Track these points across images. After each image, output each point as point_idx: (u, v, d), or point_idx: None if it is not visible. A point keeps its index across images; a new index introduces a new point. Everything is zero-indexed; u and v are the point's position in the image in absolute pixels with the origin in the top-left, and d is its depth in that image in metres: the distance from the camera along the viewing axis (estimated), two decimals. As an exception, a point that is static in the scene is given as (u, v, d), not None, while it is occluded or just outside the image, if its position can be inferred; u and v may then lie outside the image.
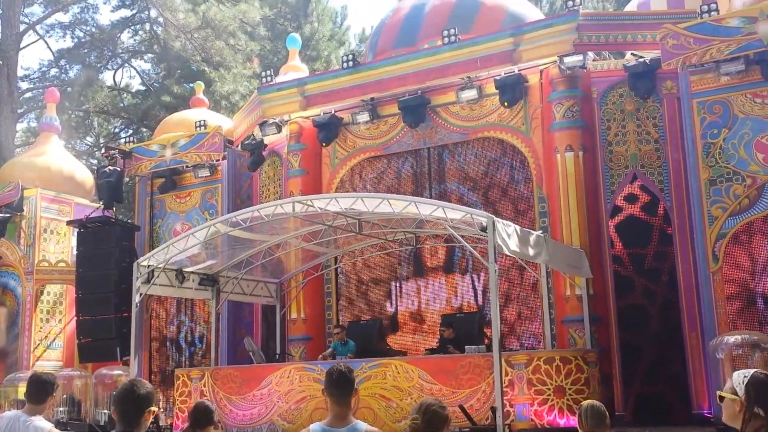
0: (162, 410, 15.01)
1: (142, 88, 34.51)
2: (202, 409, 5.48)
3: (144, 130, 30.25)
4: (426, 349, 13.40)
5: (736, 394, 3.34)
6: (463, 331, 12.91)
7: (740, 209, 12.01)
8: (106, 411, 14.93)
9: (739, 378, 3.36)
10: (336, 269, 15.79)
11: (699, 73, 12.60)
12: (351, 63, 15.41)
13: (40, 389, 4.77)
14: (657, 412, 12.54)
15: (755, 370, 3.39)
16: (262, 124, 16.11)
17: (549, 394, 10.25)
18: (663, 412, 12.55)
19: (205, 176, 17.41)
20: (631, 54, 13.78)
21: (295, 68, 18.96)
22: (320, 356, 13.72)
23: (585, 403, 4.76)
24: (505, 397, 10.11)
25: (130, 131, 31.59)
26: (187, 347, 17.05)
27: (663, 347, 12.99)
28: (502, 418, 9.88)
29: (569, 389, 10.40)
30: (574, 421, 10.18)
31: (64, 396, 16.37)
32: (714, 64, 12.33)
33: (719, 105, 12.44)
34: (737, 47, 11.99)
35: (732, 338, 11.16)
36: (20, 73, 30.93)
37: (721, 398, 3.39)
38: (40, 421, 4.67)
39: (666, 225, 13.27)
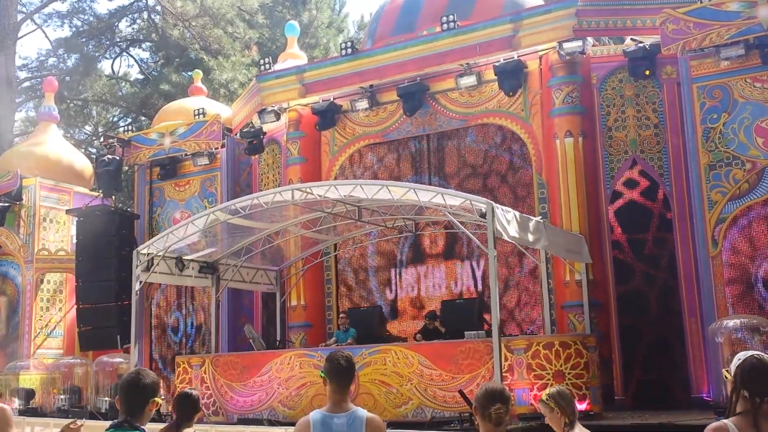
0: (163, 398, 15.05)
1: (141, 76, 34.45)
2: (185, 397, 5.08)
3: (143, 118, 30.20)
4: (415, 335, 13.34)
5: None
6: (462, 316, 12.93)
7: (740, 194, 12.02)
8: (107, 398, 14.95)
9: (735, 360, 3.45)
10: (335, 256, 15.79)
11: (699, 58, 12.57)
12: (350, 50, 15.37)
13: None
14: (656, 397, 12.57)
15: (753, 352, 3.45)
16: (261, 112, 16.08)
17: (548, 379, 10.26)
18: (662, 397, 12.59)
19: (204, 164, 17.43)
20: (631, 39, 13.74)
21: (294, 56, 18.91)
22: (322, 345, 13.76)
23: (551, 391, 4.71)
24: (504, 382, 10.13)
25: (129, 120, 31.42)
26: (188, 335, 17.08)
27: (662, 332, 13.03)
28: (502, 402, 9.88)
29: (569, 374, 10.41)
30: (573, 405, 10.23)
31: (66, 384, 16.44)
32: (714, 49, 12.30)
33: (719, 90, 12.43)
34: (737, 32, 11.97)
35: (731, 322, 11.18)
36: (18, 62, 30.91)
37: (727, 377, 3.51)
38: None
39: (665, 210, 13.28)
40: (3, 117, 27.62)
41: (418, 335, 12.78)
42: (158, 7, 31.16)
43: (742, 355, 3.42)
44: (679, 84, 13.07)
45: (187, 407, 5.03)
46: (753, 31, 11.90)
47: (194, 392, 5.25)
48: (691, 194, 12.59)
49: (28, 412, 15.41)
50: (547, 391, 4.76)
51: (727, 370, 3.49)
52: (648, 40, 13.19)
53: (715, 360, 11.32)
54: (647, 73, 13.29)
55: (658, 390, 12.76)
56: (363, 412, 4.04)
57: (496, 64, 13.98)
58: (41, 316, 18.49)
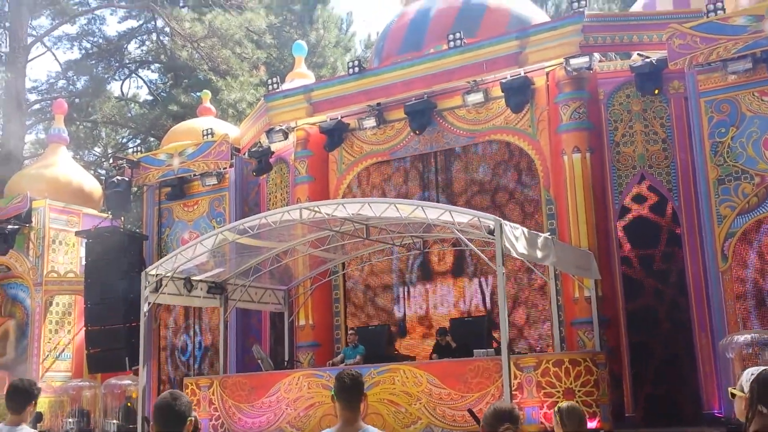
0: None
1: (150, 98, 34.62)
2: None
3: (152, 139, 30.33)
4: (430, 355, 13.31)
5: (744, 391, 3.34)
6: (471, 334, 12.87)
7: (749, 208, 11.93)
8: (115, 421, 14.93)
9: (747, 376, 3.38)
10: (344, 275, 15.74)
11: (706, 72, 12.53)
12: (357, 69, 15.40)
13: (18, 397, 4.64)
14: (667, 413, 12.47)
15: (765, 368, 3.38)
16: (269, 131, 16.10)
17: (558, 397, 10.15)
18: (673, 413, 12.48)
19: (213, 184, 17.42)
20: (638, 54, 13.72)
21: (302, 75, 18.97)
22: (329, 362, 13.71)
23: (563, 404, 4.72)
24: (514, 401, 10.04)
25: (138, 141, 31.68)
26: (196, 356, 17.02)
27: (672, 348, 12.92)
28: (512, 421, 9.79)
29: (579, 391, 10.32)
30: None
31: (74, 407, 16.39)
32: (721, 63, 12.26)
33: (727, 104, 12.37)
34: (744, 45, 11.93)
35: (742, 337, 11.08)
36: (28, 85, 31.10)
37: (733, 395, 3.41)
38: (22, 429, 4.56)
39: (674, 225, 13.20)
40: (13, 139, 27.79)
41: (434, 355, 12.73)
42: (167, 29, 31.35)
43: (754, 371, 3.36)
44: (686, 98, 13.02)
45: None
46: (760, 44, 11.86)
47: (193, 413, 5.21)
48: (699, 209, 12.50)
49: (37, 434, 15.39)
50: (561, 403, 4.75)
51: (734, 388, 3.41)
52: (655, 55, 13.15)
53: (726, 375, 11.19)
54: (656, 92, 13.26)
55: (669, 406, 12.64)
56: (374, 431, 4.02)
57: (503, 80, 13.98)
58: (50, 339, 18.48)
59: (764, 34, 11.80)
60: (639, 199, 13.50)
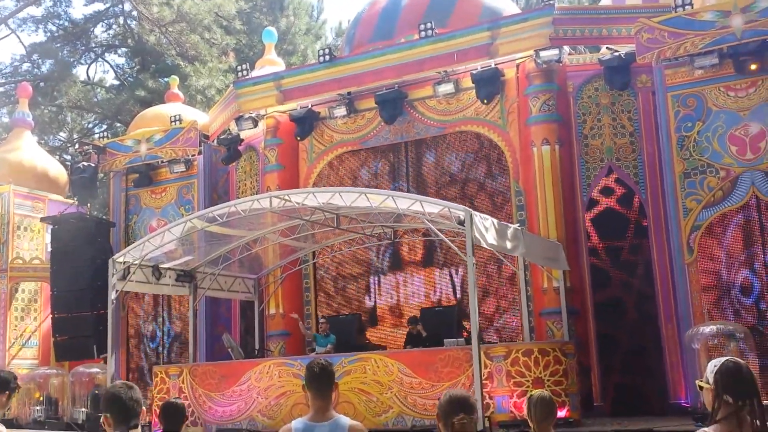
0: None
1: (116, 82, 34.16)
2: (172, 408, 5.00)
3: (118, 125, 29.96)
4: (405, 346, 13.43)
5: (710, 382, 3.44)
6: (442, 324, 12.97)
7: (714, 201, 12.16)
8: (83, 409, 14.80)
9: (711, 367, 3.47)
10: (314, 264, 15.76)
11: (673, 67, 12.71)
12: (328, 57, 15.36)
13: None
14: (634, 403, 12.67)
15: (727, 358, 3.49)
16: (238, 119, 16.03)
17: (528, 386, 10.29)
18: (640, 403, 12.68)
19: (181, 171, 17.29)
20: (606, 48, 13.86)
21: (272, 62, 18.88)
22: (294, 314, 14.08)
23: (534, 393, 4.71)
24: (484, 390, 10.17)
25: (105, 126, 31.20)
26: (165, 344, 16.94)
27: (640, 338, 13.12)
28: (482, 410, 9.94)
29: (548, 381, 10.46)
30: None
31: (42, 395, 16.23)
32: (688, 58, 12.44)
33: (693, 98, 12.57)
34: (711, 41, 12.11)
35: (707, 328, 11.29)
36: (-9, 68, 30.55)
37: (701, 387, 3.51)
38: None
39: (641, 217, 13.40)
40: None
41: (408, 346, 12.82)
42: (134, 13, 30.91)
43: (717, 362, 3.46)
44: (653, 92, 13.21)
45: (176, 416, 5.00)
46: (726, 40, 12.05)
47: (179, 401, 5.22)
48: (666, 202, 12.71)
49: (2, 423, 15.21)
50: (533, 392, 4.77)
51: (701, 381, 3.51)
52: (623, 49, 13.30)
53: (692, 366, 11.42)
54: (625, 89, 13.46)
55: (636, 396, 12.85)
56: (345, 420, 4.03)
57: (474, 71, 14.06)
58: (16, 326, 18.22)
59: (731, 30, 11.98)
60: (607, 191, 13.68)
